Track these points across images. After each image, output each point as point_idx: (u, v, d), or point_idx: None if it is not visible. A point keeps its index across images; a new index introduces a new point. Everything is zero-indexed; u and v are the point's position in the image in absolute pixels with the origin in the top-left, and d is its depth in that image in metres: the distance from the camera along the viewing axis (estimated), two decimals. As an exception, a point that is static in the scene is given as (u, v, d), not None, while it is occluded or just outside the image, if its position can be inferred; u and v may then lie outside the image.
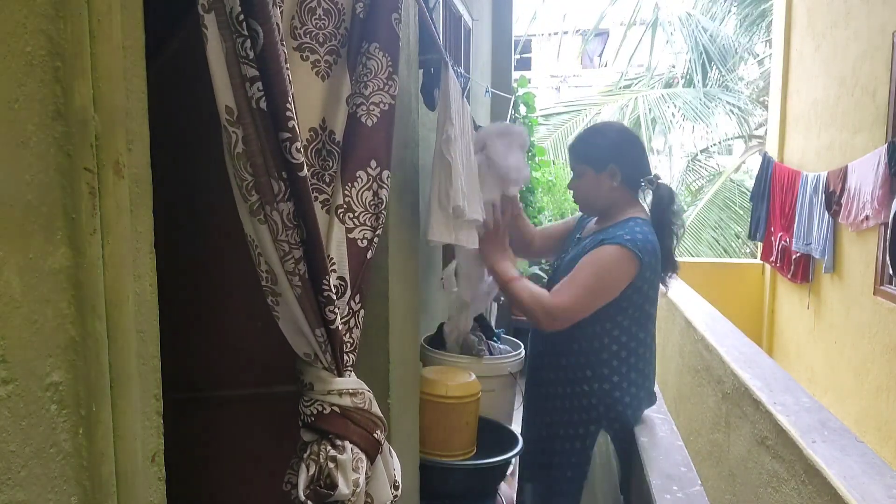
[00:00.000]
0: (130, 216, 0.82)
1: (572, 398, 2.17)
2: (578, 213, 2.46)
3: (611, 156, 2.14)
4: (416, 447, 2.19)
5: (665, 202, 2.15)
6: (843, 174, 5.06)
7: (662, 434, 2.24)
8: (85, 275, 0.77)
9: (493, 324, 3.92)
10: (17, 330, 0.69)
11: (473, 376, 2.41)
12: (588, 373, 2.13)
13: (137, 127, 0.84)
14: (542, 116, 8.36)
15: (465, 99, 2.58)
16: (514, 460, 2.53)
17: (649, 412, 2.33)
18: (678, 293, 4.86)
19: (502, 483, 2.52)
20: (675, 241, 2.19)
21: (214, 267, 1.66)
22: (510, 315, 5.44)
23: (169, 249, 1.08)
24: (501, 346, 2.96)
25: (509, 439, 2.52)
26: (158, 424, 0.90)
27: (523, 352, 2.81)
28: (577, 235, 2.34)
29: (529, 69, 17.08)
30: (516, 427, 2.65)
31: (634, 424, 2.19)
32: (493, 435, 2.53)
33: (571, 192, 2.30)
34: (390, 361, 1.79)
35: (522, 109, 5.68)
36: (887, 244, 4.08)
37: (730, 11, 9.83)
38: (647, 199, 2.25)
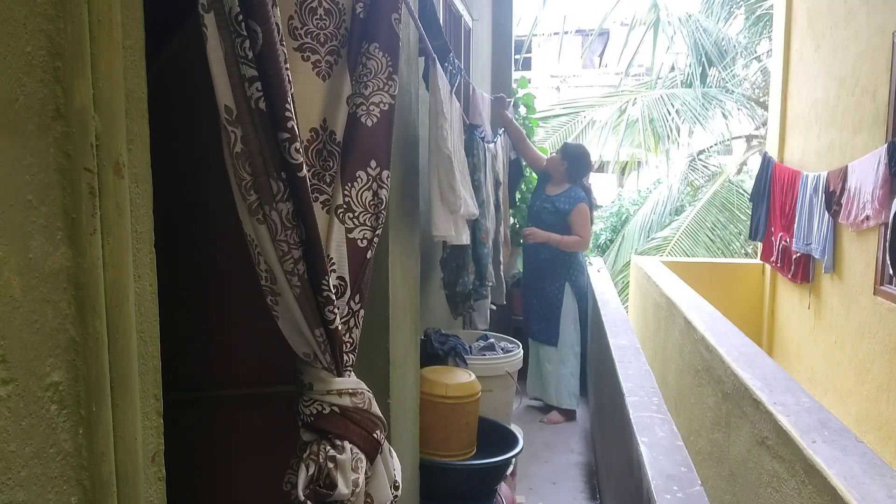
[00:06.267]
0: (130, 216, 0.82)
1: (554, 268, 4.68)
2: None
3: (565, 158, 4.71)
4: (416, 447, 2.19)
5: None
6: (843, 174, 5.05)
7: (662, 434, 2.24)
8: (85, 275, 0.77)
9: (488, 324, 3.93)
10: (17, 330, 0.69)
11: (473, 376, 2.41)
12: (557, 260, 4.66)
13: (137, 127, 0.84)
14: (540, 119, 8.35)
15: (453, 95, 2.58)
16: (514, 460, 2.53)
17: (649, 412, 2.34)
18: (678, 293, 4.86)
19: (502, 483, 2.52)
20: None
21: (214, 267, 1.66)
22: (509, 315, 5.45)
23: (169, 249, 1.08)
24: (479, 355, 2.97)
25: (509, 439, 2.52)
26: (158, 424, 0.90)
27: (521, 352, 2.81)
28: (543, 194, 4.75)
29: (529, 69, 17.06)
30: (516, 427, 2.65)
31: (584, 282, 4.83)
32: (493, 435, 2.53)
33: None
34: (390, 361, 1.79)
35: (522, 110, 5.67)
36: (887, 244, 4.07)
37: (733, 15, 9.81)
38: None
